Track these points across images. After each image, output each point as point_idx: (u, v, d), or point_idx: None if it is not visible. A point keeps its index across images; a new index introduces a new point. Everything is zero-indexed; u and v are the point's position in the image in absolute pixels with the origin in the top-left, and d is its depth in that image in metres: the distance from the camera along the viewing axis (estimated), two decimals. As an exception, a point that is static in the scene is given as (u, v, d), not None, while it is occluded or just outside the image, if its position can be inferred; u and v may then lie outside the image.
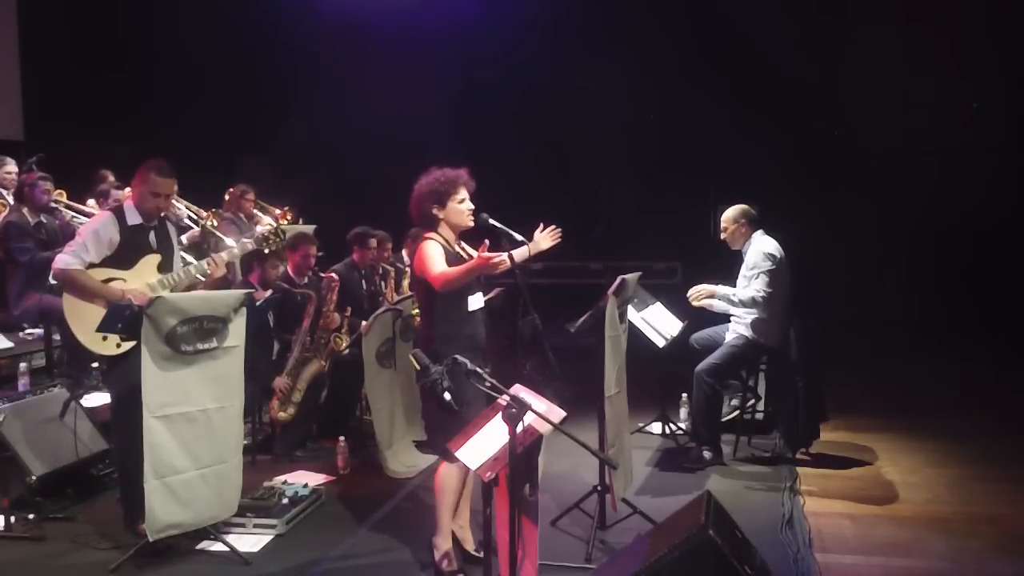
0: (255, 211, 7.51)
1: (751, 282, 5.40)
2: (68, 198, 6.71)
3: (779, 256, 5.43)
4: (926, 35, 10.38)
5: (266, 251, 5.22)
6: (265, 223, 7.08)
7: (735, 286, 5.58)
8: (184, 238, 6.28)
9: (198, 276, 4.45)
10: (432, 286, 3.74)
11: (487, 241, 3.73)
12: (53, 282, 5.74)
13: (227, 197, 7.45)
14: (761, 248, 5.43)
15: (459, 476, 3.82)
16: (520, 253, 3.87)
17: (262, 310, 5.23)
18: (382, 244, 6.84)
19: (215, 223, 6.47)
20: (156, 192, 4.26)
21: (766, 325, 5.43)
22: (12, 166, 6.94)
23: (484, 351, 3.88)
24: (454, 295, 3.77)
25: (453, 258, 3.81)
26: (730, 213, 5.60)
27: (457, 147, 9.32)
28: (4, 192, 6.72)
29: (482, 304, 3.91)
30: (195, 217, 6.80)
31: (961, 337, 9.13)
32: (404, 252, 6.98)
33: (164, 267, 4.36)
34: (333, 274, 6.01)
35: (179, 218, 6.51)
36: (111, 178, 7.44)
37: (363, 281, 6.54)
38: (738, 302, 5.41)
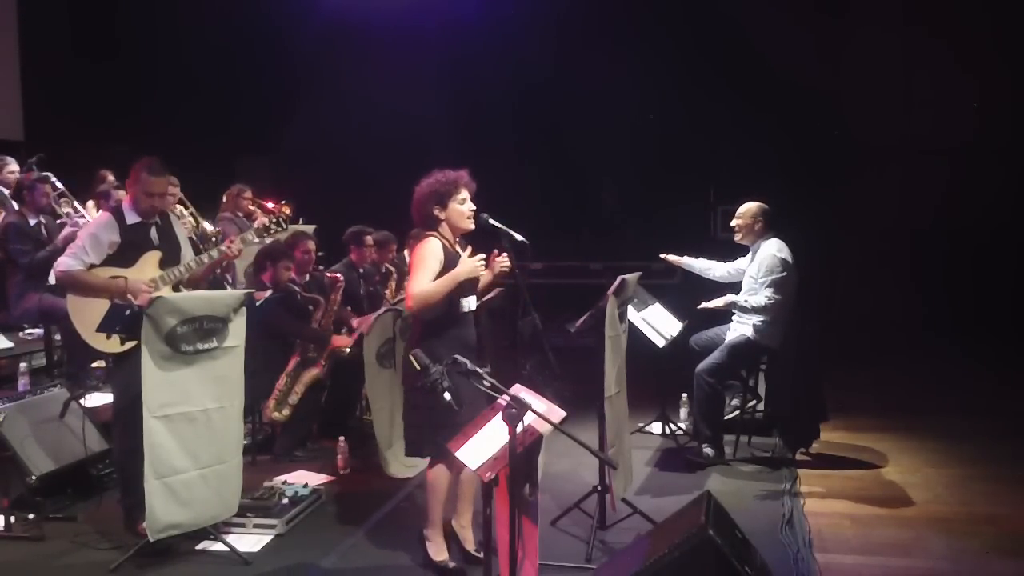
0: (253, 208, 7.52)
1: (763, 288, 5.40)
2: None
3: (791, 262, 5.44)
4: (927, 34, 10.38)
5: (268, 240, 5.19)
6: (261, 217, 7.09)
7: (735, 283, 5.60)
8: None
9: (205, 262, 4.44)
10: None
11: (470, 247, 3.76)
12: (53, 282, 5.75)
13: (224, 198, 7.45)
14: (776, 254, 5.43)
15: (449, 474, 3.89)
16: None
17: (262, 310, 5.23)
18: (386, 244, 6.84)
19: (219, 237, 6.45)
20: (149, 192, 4.26)
21: (769, 327, 5.44)
22: (14, 166, 6.94)
23: (476, 352, 3.89)
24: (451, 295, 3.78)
25: (453, 259, 3.82)
26: (750, 208, 5.61)
27: (457, 147, 9.34)
28: (6, 192, 6.72)
29: (475, 306, 3.92)
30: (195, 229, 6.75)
31: (961, 337, 9.12)
32: (406, 252, 6.97)
33: (167, 262, 4.36)
34: (339, 274, 6.01)
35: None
36: (111, 178, 7.44)
37: (361, 281, 6.53)
38: (751, 309, 5.41)
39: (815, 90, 10.40)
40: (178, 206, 6.59)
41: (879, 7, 10.53)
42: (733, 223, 5.68)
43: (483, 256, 3.81)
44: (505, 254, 3.88)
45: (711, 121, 10.37)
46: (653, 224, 10.63)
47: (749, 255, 5.67)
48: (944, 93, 10.40)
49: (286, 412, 5.56)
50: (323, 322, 5.78)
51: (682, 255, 5.99)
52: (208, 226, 6.75)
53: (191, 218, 6.64)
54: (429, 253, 3.77)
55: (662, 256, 6.01)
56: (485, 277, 3.90)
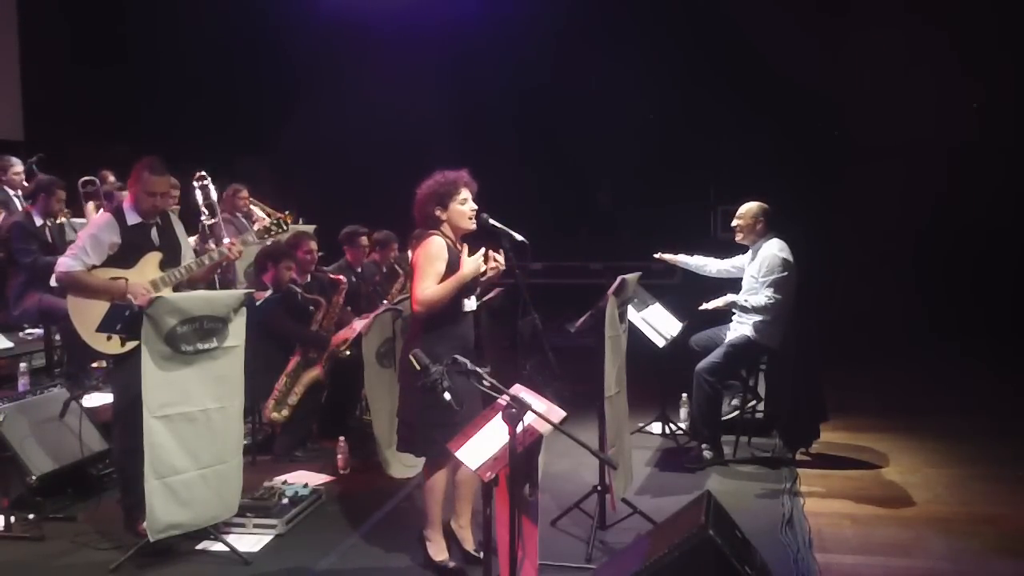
0: (251, 208, 7.52)
1: (764, 288, 5.40)
2: (66, 197, 6.71)
3: (792, 262, 5.45)
4: (927, 33, 10.38)
5: (269, 241, 5.21)
6: (260, 217, 7.11)
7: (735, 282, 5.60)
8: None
9: (207, 263, 4.44)
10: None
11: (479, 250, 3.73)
12: (54, 284, 5.76)
13: (223, 198, 7.44)
14: (778, 254, 5.43)
15: (446, 475, 3.90)
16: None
17: (262, 310, 5.23)
18: (387, 244, 6.82)
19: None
20: (151, 191, 4.25)
21: (769, 327, 5.43)
22: (19, 167, 6.94)
23: (475, 352, 3.88)
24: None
25: (456, 258, 3.82)
26: (750, 208, 5.61)
27: (458, 147, 9.36)
28: (11, 192, 6.72)
29: (475, 306, 3.93)
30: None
31: (961, 337, 9.12)
32: (409, 253, 6.96)
33: (167, 263, 4.36)
34: (342, 276, 6.01)
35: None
36: (111, 178, 7.44)
37: (359, 281, 6.52)
38: (751, 308, 5.42)
39: (815, 90, 10.40)
40: (254, 208, 6.63)
41: (880, 6, 10.53)
42: (734, 223, 5.68)
43: (483, 250, 3.80)
44: (500, 252, 3.87)
45: (711, 121, 10.37)
46: (653, 224, 10.63)
47: (749, 254, 5.67)
48: (945, 92, 10.40)
49: (286, 412, 5.56)
50: (324, 323, 5.78)
51: (678, 254, 6.00)
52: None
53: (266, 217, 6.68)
54: (435, 254, 3.76)
55: (657, 256, 6.01)
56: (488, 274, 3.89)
